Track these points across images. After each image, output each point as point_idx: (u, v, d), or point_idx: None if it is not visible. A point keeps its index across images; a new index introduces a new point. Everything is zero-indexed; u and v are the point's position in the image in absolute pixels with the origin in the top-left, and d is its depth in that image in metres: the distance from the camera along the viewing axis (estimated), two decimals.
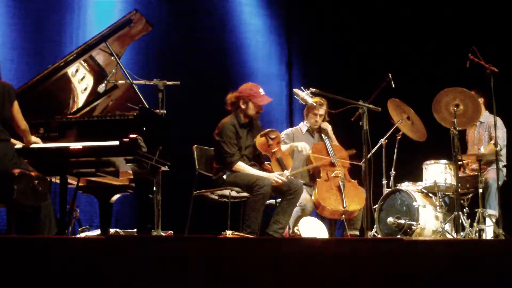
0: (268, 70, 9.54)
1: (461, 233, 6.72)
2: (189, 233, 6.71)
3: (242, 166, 6.61)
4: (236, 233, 6.16)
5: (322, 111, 7.29)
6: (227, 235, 6.04)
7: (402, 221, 7.07)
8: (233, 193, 6.60)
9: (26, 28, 8.13)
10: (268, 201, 6.74)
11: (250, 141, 6.81)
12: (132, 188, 6.02)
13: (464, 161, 7.31)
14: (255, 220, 6.38)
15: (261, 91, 6.78)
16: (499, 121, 7.33)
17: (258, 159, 6.88)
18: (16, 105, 5.25)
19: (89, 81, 6.12)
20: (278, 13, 9.70)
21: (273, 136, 6.80)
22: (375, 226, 7.24)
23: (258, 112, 6.82)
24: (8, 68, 7.80)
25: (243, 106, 6.76)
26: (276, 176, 6.50)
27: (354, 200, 6.93)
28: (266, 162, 6.89)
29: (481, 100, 7.44)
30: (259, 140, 6.77)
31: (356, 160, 7.11)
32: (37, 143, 5.42)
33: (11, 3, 8.11)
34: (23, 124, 5.31)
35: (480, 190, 6.94)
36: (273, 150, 6.78)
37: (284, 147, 7.09)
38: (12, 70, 7.86)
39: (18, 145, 5.36)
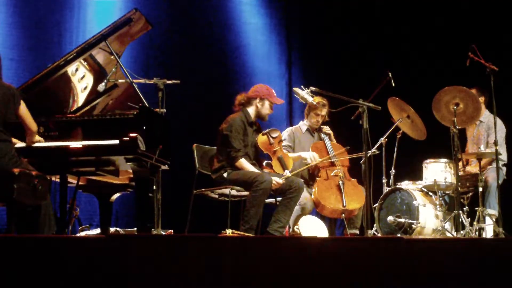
0: (268, 69, 9.55)
1: (461, 232, 6.73)
2: (189, 232, 6.71)
3: (244, 164, 6.63)
4: (236, 232, 6.16)
5: (324, 111, 7.29)
6: (227, 234, 6.04)
7: (402, 220, 7.07)
8: (233, 192, 6.61)
9: (25, 27, 8.13)
10: (269, 200, 6.75)
11: (254, 140, 6.83)
12: (132, 187, 6.03)
13: (463, 159, 7.32)
14: (254, 216, 6.39)
15: (274, 92, 6.86)
16: (499, 122, 7.31)
17: (258, 160, 6.89)
18: (23, 107, 5.24)
19: (89, 80, 6.12)
20: (278, 12, 9.71)
21: (274, 135, 6.83)
22: (375, 225, 7.24)
23: (270, 113, 6.88)
24: (7, 67, 7.79)
25: (259, 105, 6.84)
26: (274, 179, 6.50)
27: (354, 199, 6.93)
28: (265, 162, 6.89)
29: (481, 99, 7.44)
30: (261, 139, 6.80)
31: (356, 154, 7.10)
32: (40, 142, 5.42)
33: (11, 2, 8.11)
34: (34, 126, 5.30)
35: (480, 189, 6.95)
36: (274, 149, 6.80)
37: (291, 155, 7.11)
38: (12, 69, 7.86)
39: (19, 144, 5.36)
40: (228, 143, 6.65)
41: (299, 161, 7.17)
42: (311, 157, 7.04)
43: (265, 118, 6.93)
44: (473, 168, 7.53)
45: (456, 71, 7.95)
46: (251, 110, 6.87)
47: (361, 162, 6.80)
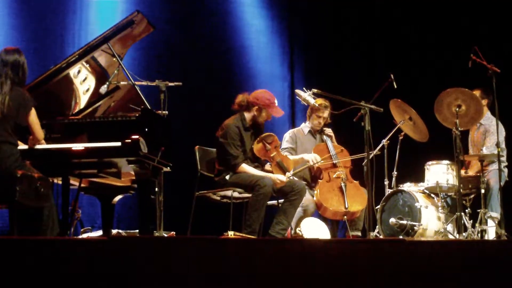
0: (270, 71, 9.54)
1: (463, 234, 6.72)
2: (191, 234, 6.71)
3: (245, 168, 6.62)
4: (238, 233, 6.16)
5: (326, 113, 7.28)
6: (229, 236, 6.04)
7: (404, 222, 7.06)
8: (235, 194, 6.61)
9: (28, 28, 8.14)
10: (271, 202, 6.75)
11: (253, 144, 6.81)
12: (134, 189, 6.03)
13: (465, 161, 7.33)
14: (256, 220, 6.38)
15: (276, 102, 6.79)
16: (499, 125, 7.28)
17: (261, 161, 6.87)
18: (33, 114, 5.27)
19: (91, 82, 6.12)
20: (280, 14, 9.71)
21: (269, 141, 6.77)
22: (377, 226, 7.24)
23: (266, 120, 6.85)
24: None
25: (256, 113, 6.76)
26: (278, 178, 6.50)
27: (356, 200, 6.93)
28: (267, 164, 6.88)
29: (484, 101, 7.44)
30: (257, 146, 6.75)
31: (358, 156, 7.08)
32: (41, 144, 5.44)
33: (14, 4, 8.12)
34: (40, 134, 5.34)
35: (482, 191, 6.95)
36: (271, 155, 6.76)
37: (291, 157, 7.07)
38: None
39: (21, 146, 5.37)
40: (225, 150, 6.63)
41: (301, 163, 7.17)
42: (313, 158, 7.03)
43: (262, 125, 6.89)
44: (471, 171, 7.52)
45: (458, 73, 7.94)
46: (248, 116, 6.80)
47: (363, 164, 6.80)
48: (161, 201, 6.14)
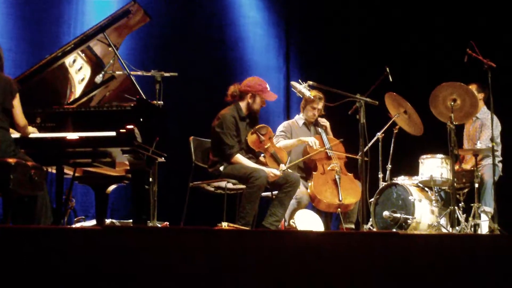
0: (266, 62, 9.55)
1: (457, 228, 6.73)
2: (185, 224, 6.71)
3: (240, 159, 6.61)
4: (231, 225, 6.16)
5: (320, 105, 7.29)
6: (223, 227, 6.05)
7: (398, 215, 7.07)
8: (229, 185, 6.61)
9: (24, 17, 8.11)
10: (265, 194, 6.75)
11: (247, 134, 6.80)
12: (128, 179, 6.03)
13: (460, 155, 7.34)
14: (250, 212, 6.39)
15: (268, 86, 6.79)
16: (495, 119, 7.30)
17: (254, 152, 6.88)
18: (16, 100, 5.25)
19: (87, 71, 6.11)
20: (276, 6, 9.71)
21: (263, 132, 6.77)
22: (370, 219, 7.25)
23: (261, 107, 6.84)
24: (5, 57, 7.74)
25: (250, 100, 6.76)
26: (272, 171, 6.50)
27: (350, 193, 6.94)
28: (262, 155, 6.88)
29: (480, 95, 7.46)
30: (251, 138, 6.75)
31: (352, 153, 7.11)
32: (34, 133, 5.42)
33: None
34: (22, 121, 5.32)
35: (476, 185, 6.96)
36: (265, 146, 6.76)
37: (289, 142, 7.08)
38: (10, 60, 7.83)
39: (15, 134, 5.36)
40: (221, 140, 6.62)
41: (296, 152, 7.17)
42: (313, 141, 7.02)
43: (257, 112, 6.89)
44: (467, 165, 7.54)
45: (454, 67, 7.95)
46: (243, 105, 6.80)
47: (357, 156, 6.80)
48: (155, 191, 6.14)
